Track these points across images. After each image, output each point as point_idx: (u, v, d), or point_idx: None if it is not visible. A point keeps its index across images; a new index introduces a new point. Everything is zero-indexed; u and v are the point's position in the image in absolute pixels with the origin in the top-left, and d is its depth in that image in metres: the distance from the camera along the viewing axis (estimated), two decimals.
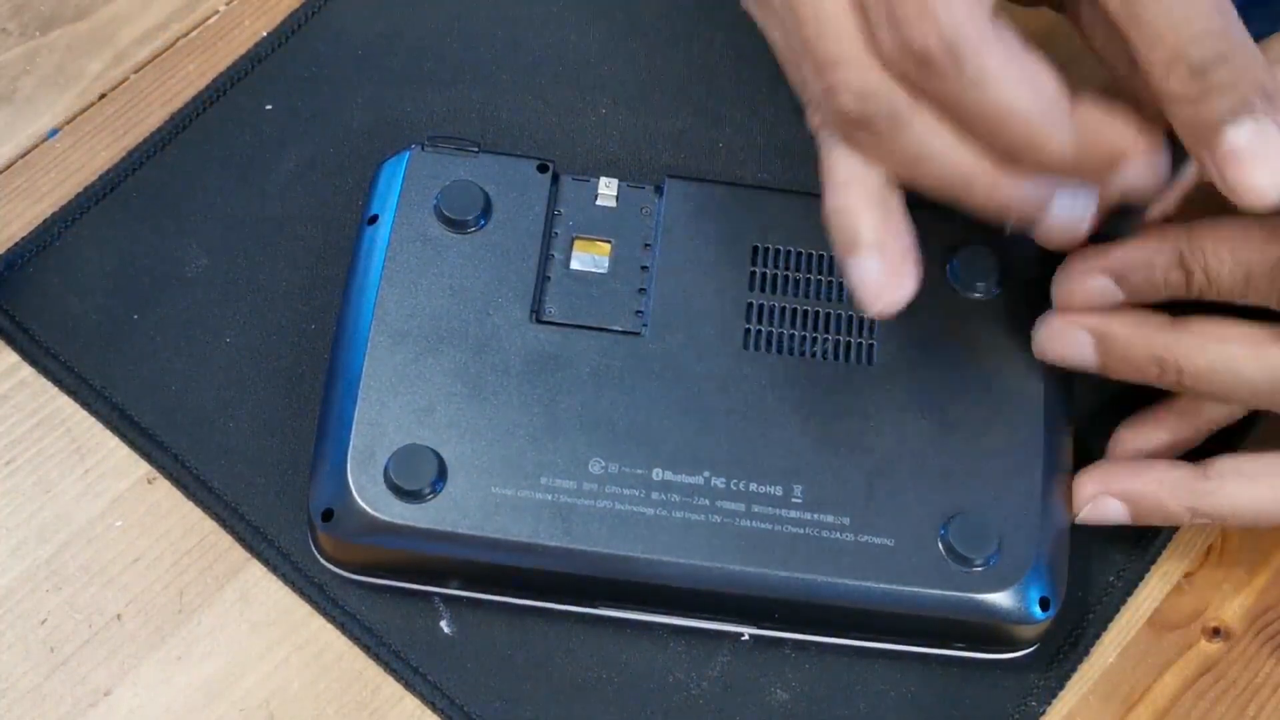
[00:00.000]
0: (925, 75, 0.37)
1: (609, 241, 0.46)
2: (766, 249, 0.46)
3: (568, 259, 0.46)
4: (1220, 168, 0.36)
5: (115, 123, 0.51)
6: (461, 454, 0.43)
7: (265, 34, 0.53)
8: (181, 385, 0.47)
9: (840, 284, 0.46)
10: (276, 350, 0.48)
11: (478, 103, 0.52)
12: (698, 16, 0.53)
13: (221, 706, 0.43)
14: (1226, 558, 0.47)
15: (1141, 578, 0.46)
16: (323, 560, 0.45)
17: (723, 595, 0.43)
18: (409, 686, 0.44)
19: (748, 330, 0.45)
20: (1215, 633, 0.46)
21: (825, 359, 0.45)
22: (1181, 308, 0.43)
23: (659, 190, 0.47)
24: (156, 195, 0.50)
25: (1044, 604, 0.43)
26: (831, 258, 0.46)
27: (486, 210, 0.46)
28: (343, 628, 0.44)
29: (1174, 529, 0.47)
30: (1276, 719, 0.45)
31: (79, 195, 0.50)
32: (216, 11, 0.53)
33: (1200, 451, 0.45)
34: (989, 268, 0.46)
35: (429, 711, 0.44)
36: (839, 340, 0.45)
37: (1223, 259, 0.41)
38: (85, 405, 0.47)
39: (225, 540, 0.45)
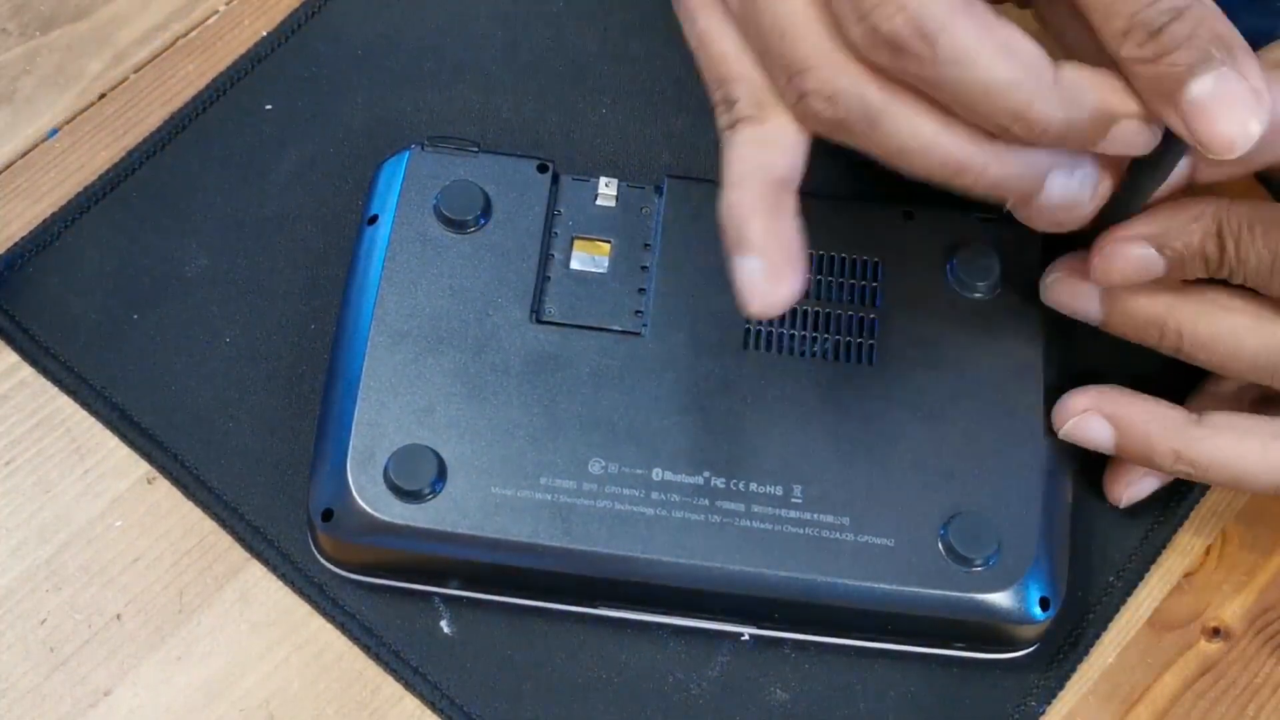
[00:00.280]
0: (899, 61, 0.36)
1: (609, 241, 0.46)
2: None
3: (568, 259, 0.46)
4: (1187, 122, 0.36)
5: (115, 123, 0.51)
6: (461, 454, 0.43)
7: (265, 34, 0.53)
8: (181, 385, 0.47)
9: (840, 284, 0.46)
10: (276, 350, 0.48)
11: (478, 103, 0.52)
12: None
13: (221, 706, 0.43)
14: (1226, 558, 0.47)
15: (1141, 578, 0.46)
16: (323, 560, 0.45)
17: (723, 595, 0.43)
18: (409, 686, 0.44)
19: (748, 330, 0.45)
20: (1215, 633, 0.46)
21: (825, 359, 0.45)
22: None
23: (659, 190, 0.47)
24: (156, 195, 0.50)
25: (1044, 604, 0.43)
26: (832, 257, 0.46)
27: (486, 210, 0.46)
28: (343, 628, 0.44)
29: (1175, 528, 0.47)
30: (1276, 719, 0.45)
31: (79, 195, 0.50)
32: (216, 11, 0.53)
33: None
34: (989, 268, 0.46)
35: (429, 711, 0.44)
36: (839, 340, 0.45)
37: (1255, 240, 0.40)
38: (85, 405, 0.47)
39: (225, 540, 0.45)
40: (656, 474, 0.43)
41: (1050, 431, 0.44)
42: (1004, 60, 0.36)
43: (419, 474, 0.42)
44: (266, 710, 0.43)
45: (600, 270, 0.46)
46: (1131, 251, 0.41)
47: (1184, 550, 0.47)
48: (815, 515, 0.43)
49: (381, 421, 0.43)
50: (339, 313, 0.46)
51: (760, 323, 0.45)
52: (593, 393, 0.44)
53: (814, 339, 0.45)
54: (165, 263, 0.49)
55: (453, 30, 0.53)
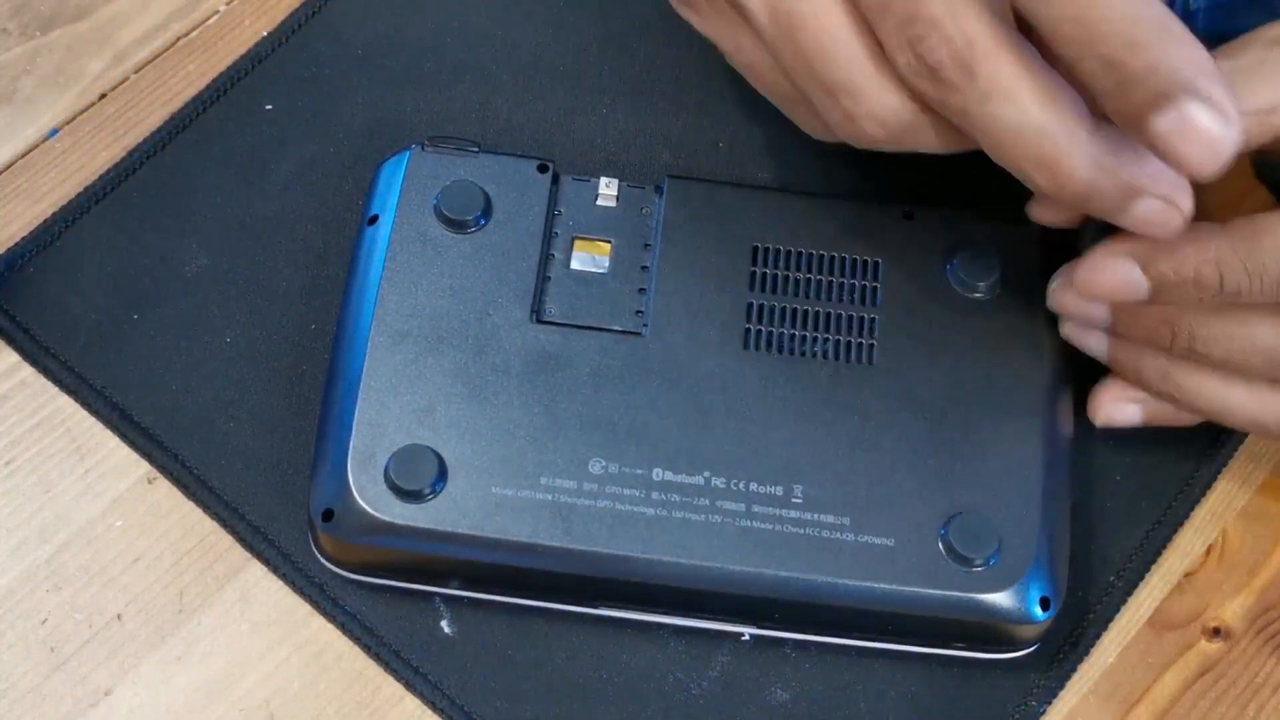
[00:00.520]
0: (939, 90, 0.36)
1: (609, 241, 0.46)
2: (766, 249, 0.46)
3: (568, 259, 0.46)
4: (1158, 150, 0.35)
5: (115, 123, 0.51)
6: (461, 454, 0.43)
7: (265, 34, 0.53)
8: (181, 385, 0.47)
9: (840, 284, 0.46)
10: (276, 350, 0.48)
11: (478, 103, 0.52)
12: None
13: (221, 706, 0.43)
14: (1226, 558, 0.47)
15: (1141, 578, 0.46)
16: (323, 560, 0.45)
17: (723, 595, 0.43)
18: (409, 686, 0.44)
19: (748, 330, 0.45)
20: (1215, 633, 0.46)
21: (825, 359, 0.45)
22: None
23: (659, 190, 0.47)
24: (156, 195, 0.50)
25: (1044, 604, 0.43)
26: (832, 258, 0.46)
27: (486, 210, 0.46)
28: (343, 628, 0.44)
29: (1175, 528, 0.47)
30: (1277, 719, 0.45)
31: (79, 195, 0.50)
32: (216, 11, 0.53)
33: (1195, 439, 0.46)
34: (989, 268, 0.46)
35: (429, 711, 0.44)
36: (839, 340, 0.45)
37: (1265, 256, 0.39)
38: (85, 405, 0.47)
39: (225, 540, 0.45)
40: (656, 474, 0.43)
41: (1050, 431, 0.44)
42: (1043, 106, 0.36)
43: (419, 474, 0.42)
44: (266, 710, 0.43)
45: (600, 270, 0.46)
46: (1116, 267, 0.41)
47: (1184, 550, 0.47)
48: (815, 515, 0.43)
49: (382, 421, 0.43)
50: (339, 313, 0.46)
51: (760, 323, 0.45)
52: (593, 393, 0.44)
53: (814, 339, 0.45)
54: (165, 263, 0.49)
55: (453, 30, 0.53)
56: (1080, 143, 0.36)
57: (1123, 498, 0.47)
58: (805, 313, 0.46)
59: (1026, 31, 0.37)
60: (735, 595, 0.43)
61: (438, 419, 0.43)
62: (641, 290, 0.46)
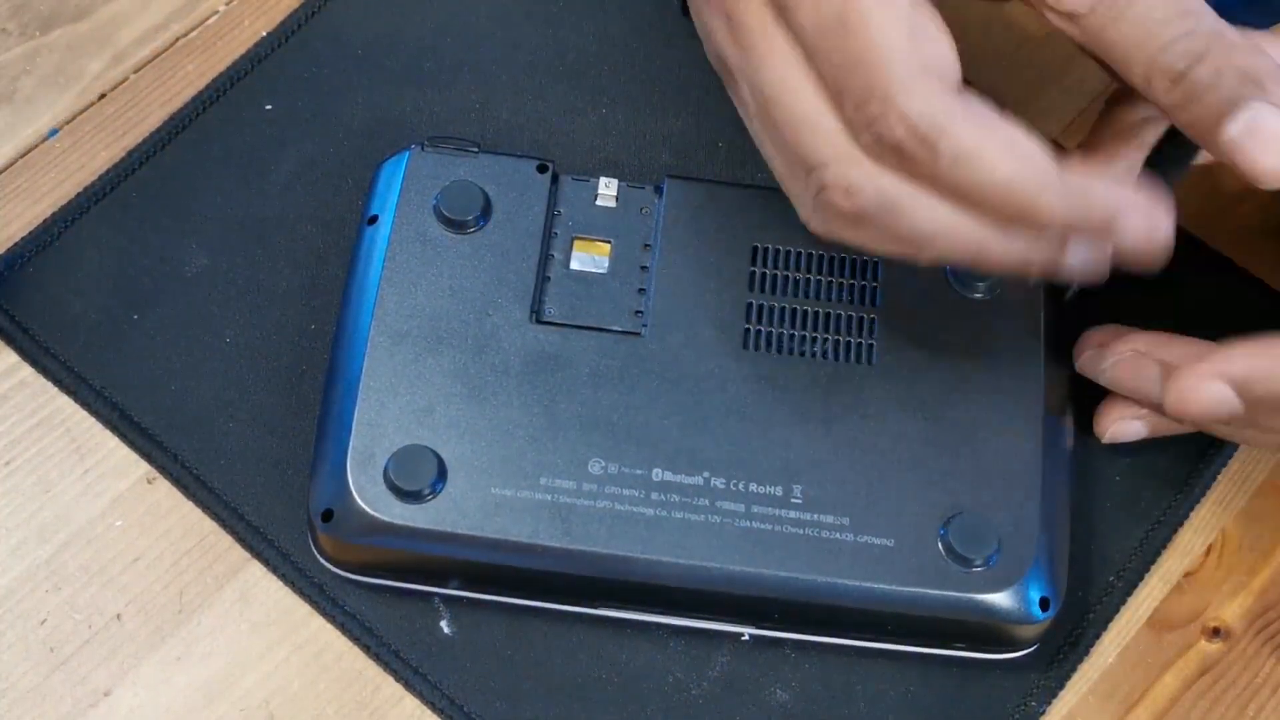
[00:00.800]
0: (906, 164, 0.37)
1: (609, 241, 0.46)
2: (766, 249, 0.46)
3: (567, 259, 0.46)
4: (1230, 158, 0.36)
5: (115, 123, 0.51)
6: (461, 454, 0.43)
7: (265, 34, 0.53)
8: (181, 385, 0.47)
9: (840, 284, 0.46)
10: (276, 350, 0.48)
11: (478, 103, 0.52)
12: None
13: (221, 706, 0.43)
14: (1226, 558, 0.47)
15: (1141, 578, 0.46)
16: (323, 560, 0.45)
17: (723, 595, 0.43)
18: (409, 686, 0.44)
19: (747, 330, 0.45)
20: (1215, 633, 0.46)
21: (825, 359, 0.45)
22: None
23: (659, 190, 0.47)
24: (156, 195, 0.50)
25: (1044, 604, 0.43)
26: (832, 258, 0.46)
27: (486, 210, 0.46)
28: (343, 628, 0.44)
29: (1175, 528, 0.47)
30: (1276, 719, 0.45)
31: (79, 195, 0.50)
32: (216, 11, 0.53)
33: (1195, 440, 0.46)
34: None
35: (429, 711, 0.44)
36: (839, 340, 0.45)
37: None
38: (85, 405, 0.47)
39: (225, 540, 0.45)
40: (656, 474, 0.43)
41: (1050, 431, 0.44)
42: (1007, 158, 0.36)
43: (419, 474, 0.42)
44: (266, 710, 0.43)
45: (600, 270, 0.46)
46: (1209, 390, 0.41)
47: (1184, 550, 0.47)
48: (815, 515, 0.43)
49: (381, 422, 0.43)
50: (339, 313, 0.46)
51: (760, 323, 0.45)
52: (592, 393, 0.44)
53: (813, 339, 0.45)
54: (165, 263, 0.49)
55: (453, 30, 0.53)
56: (1049, 184, 0.37)
57: (1123, 498, 0.47)
58: (805, 313, 0.46)
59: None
60: (735, 595, 0.43)
61: (437, 419, 0.43)
62: (641, 290, 0.46)
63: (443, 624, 0.45)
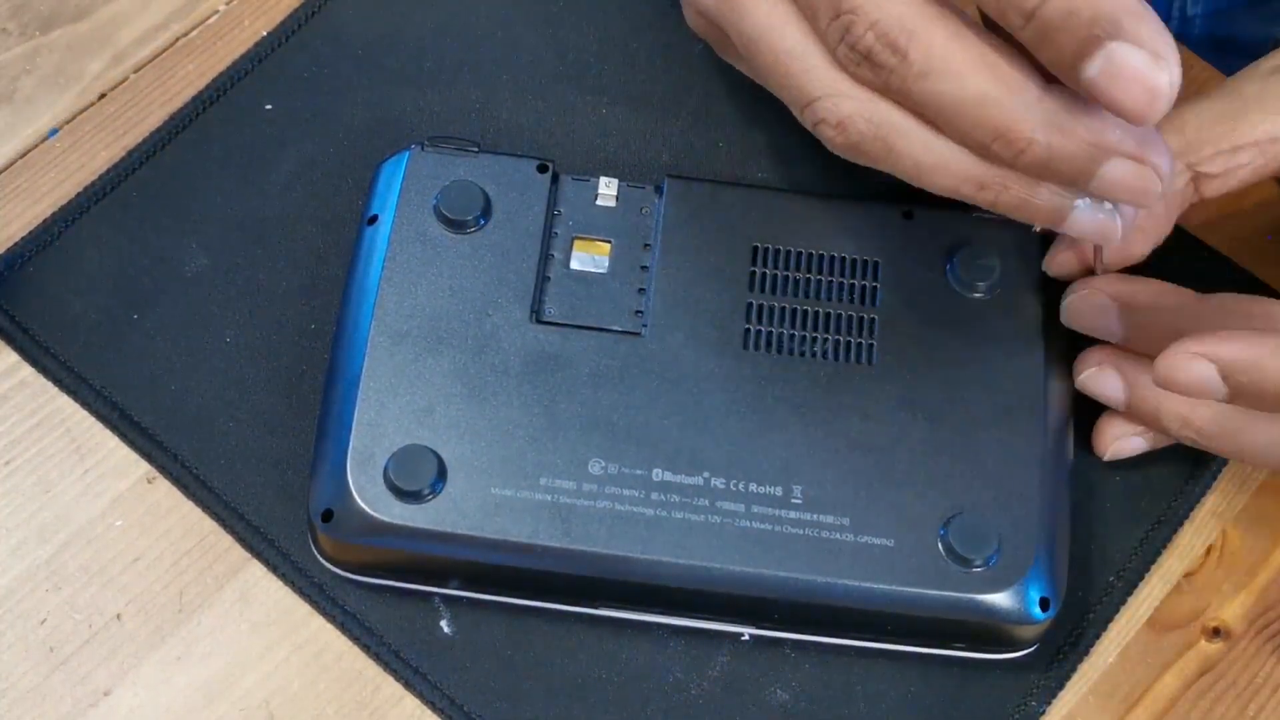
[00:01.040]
0: (877, 75, 0.36)
1: (609, 241, 0.46)
2: (766, 249, 0.46)
3: (567, 259, 0.46)
4: (1093, 95, 0.35)
5: (115, 123, 0.51)
6: (461, 454, 0.43)
7: (265, 34, 0.53)
8: (181, 385, 0.47)
9: (840, 284, 0.46)
10: (276, 350, 0.48)
11: (478, 103, 0.52)
12: None
13: (221, 706, 0.43)
14: (1226, 558, 0.47)
15: (1141, 578, 0.46)
16: (323, 560, 0.45)
17: (723, 595, 0.43)
18: (409, 686, 0.44)
19: (747, 330, 0.45)
20: (1215, 633, 0.46)
21: (825, 359, 0.45)
22: None
23: (659, 190, 0.47)
24: (156, 195, 0.50)
25: (1044, 604, 0.43)
26: (832, 257, 0.46)
27: (486, 210, 0.46)
28: (343, 628, 0.44)
29: (1175, 528, 0.47)
30: (1277, 719, 0.45)
31: (79, 195, 0.50)
32: (216, 11, 0.53)
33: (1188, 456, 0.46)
34: (989, 268, 0.46)
35: (429, 711, 0.44)
36: (839, 340, 0.45)
37: None
38: (85, 405, 0.47)
39: (225, 540, 0.45)
40: (656, 474, 0.43)
41: (1050, 431, 0.44)
42: (980, 73, 0.35)
43: (419, 474, 0.42)
44: (266, 710, 0.43)
45: (600, 270, 0.46)
46: (1196, 369, 0.39)
47: (1184, 550, 0.47)
48: (815, 515, 0.43)
49: (381, 422, 0.43)
50: (339, 313, 0.46)
51: (760, 323, 0.45)
52: (592, 393, 0.44)
53: (814, 339, 0.45)
54: (165, 263, 0.49)
55: (453, 30, 0.53)
56: (1028, 105, 0.35)
57: (1123, 498, 0.47)
58: (805, 313, 0.46)
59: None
60: (735, 595, 0.43)
61: (437, 419, 0.43)
62: (641, 290, 0.46)
63: (443, 624, 0.45)
